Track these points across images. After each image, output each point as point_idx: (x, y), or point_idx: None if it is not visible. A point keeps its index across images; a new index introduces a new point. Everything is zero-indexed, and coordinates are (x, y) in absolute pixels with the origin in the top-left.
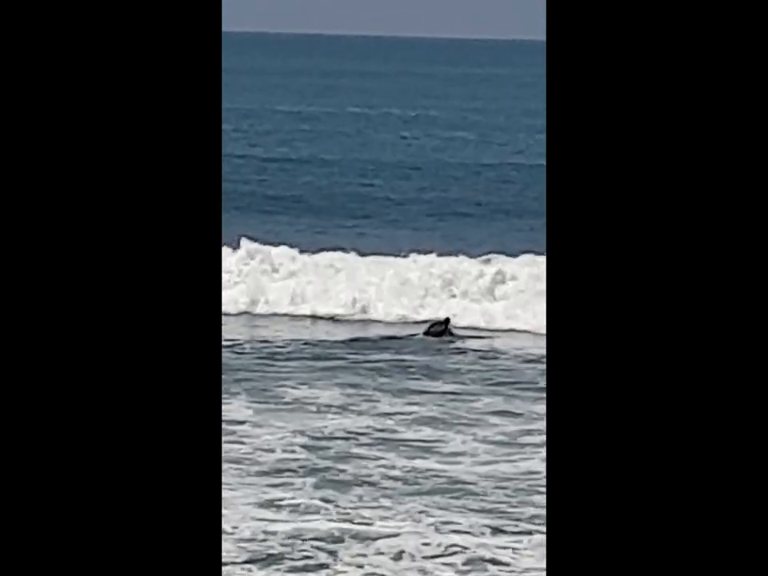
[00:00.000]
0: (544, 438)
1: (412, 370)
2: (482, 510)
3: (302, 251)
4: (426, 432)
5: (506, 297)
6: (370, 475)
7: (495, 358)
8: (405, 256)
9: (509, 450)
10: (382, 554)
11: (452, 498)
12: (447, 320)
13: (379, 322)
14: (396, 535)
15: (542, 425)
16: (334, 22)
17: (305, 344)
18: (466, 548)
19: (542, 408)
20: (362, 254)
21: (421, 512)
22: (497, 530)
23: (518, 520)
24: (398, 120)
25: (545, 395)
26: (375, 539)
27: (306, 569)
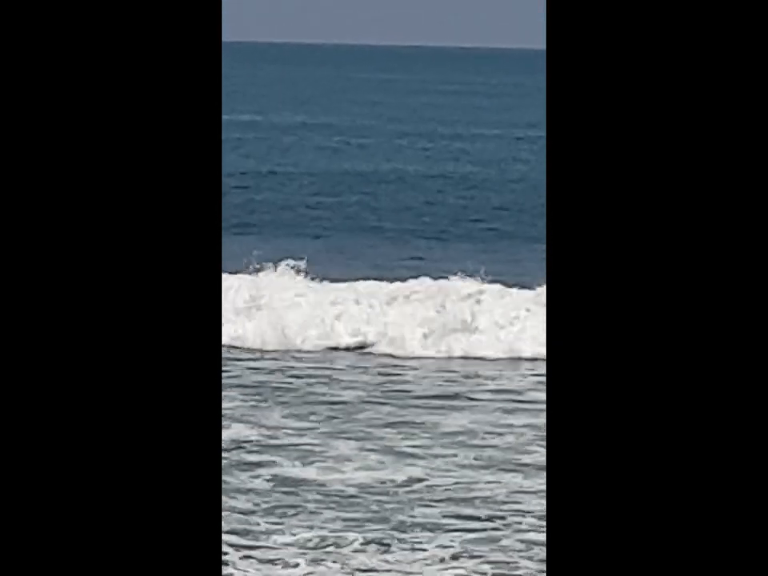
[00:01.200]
0: (429, 449)
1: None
2: (365, 520)
3: None
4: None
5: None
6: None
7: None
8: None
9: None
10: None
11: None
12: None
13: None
14: (278, 548)
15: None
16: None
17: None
18: (347, 560)
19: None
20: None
21: (302, 520)
22: (379, 542)
23: (402, 531)
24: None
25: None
26: (270, 549)
27: None
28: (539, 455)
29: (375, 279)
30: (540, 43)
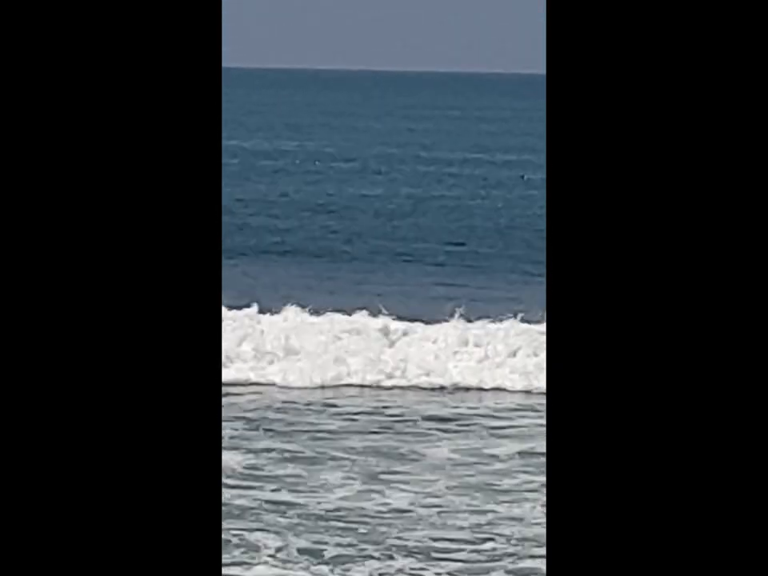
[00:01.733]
0: (412, 476)
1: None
2: (346, 545)
3: None
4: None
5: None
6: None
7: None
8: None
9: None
10: None
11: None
12: None
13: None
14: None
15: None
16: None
17: None
18: None
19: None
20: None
21: (285, 547)
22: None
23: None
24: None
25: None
26: None
27: None
28: (520, 480)
29: (337, 310)
30: (539, 68)
